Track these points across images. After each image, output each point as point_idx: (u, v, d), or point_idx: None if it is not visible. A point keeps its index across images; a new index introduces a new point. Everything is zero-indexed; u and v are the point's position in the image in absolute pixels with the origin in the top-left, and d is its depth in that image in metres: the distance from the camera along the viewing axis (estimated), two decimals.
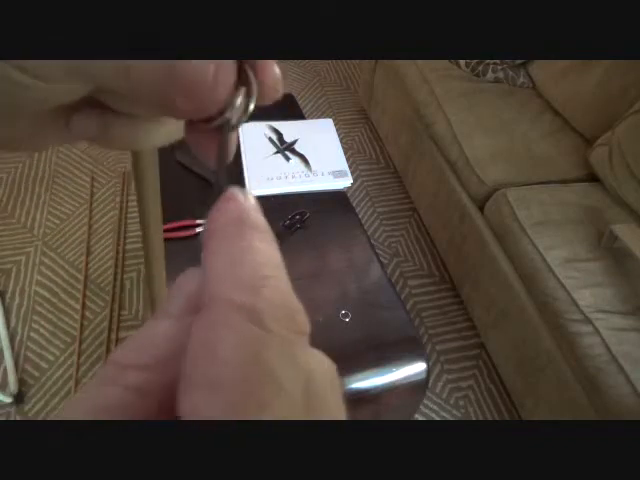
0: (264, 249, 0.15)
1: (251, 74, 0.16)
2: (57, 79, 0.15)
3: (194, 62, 0.14)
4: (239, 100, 0.16)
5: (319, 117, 2.18)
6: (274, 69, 0.17)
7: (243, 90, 0.16)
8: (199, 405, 0.12)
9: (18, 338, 1.40)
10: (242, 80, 0.16)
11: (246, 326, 0.12)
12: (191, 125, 0.18)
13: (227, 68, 0.15)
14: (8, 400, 1.27)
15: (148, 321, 0.16)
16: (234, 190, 0.16)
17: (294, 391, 0.12)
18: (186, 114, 0.16)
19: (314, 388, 0.13)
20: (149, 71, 0.15)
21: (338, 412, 0.14)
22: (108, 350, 1.38)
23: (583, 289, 1.16)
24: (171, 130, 0.21)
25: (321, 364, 0.14)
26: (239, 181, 1.20)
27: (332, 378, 0.14)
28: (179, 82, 0.15)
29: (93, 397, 0.14)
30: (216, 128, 0.17)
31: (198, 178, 1.21)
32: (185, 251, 0.84)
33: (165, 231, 1.06)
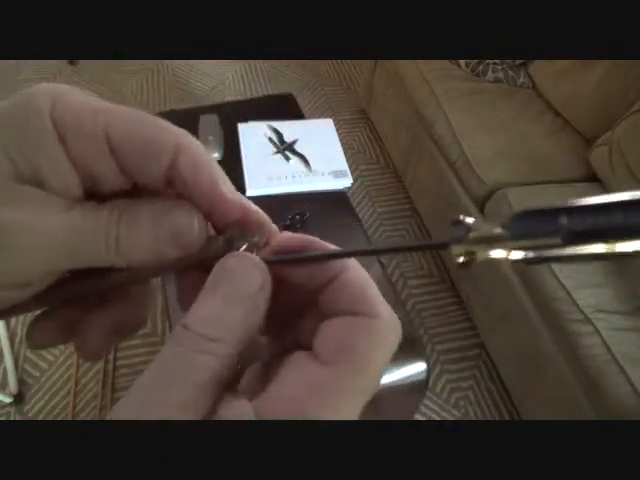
0: None
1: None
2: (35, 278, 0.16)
3: (178, 217, 0.17)
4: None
5: (319, 117, 2.18)
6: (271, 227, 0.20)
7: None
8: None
9: (18, 338, 1.40)
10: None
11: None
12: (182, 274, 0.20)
13: (200, 215, 0.18)
14: (8, 400, 1.27)
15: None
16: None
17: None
18: (174, 259, 0.18)
19: None
20: (139, 237, 0.16)
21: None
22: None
23: (583, 289, 1.16)
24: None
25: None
26: (240, 181, 1.20)
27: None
28: (169, 240, 0.17)
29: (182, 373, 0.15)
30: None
31: None
32: None
33: None
